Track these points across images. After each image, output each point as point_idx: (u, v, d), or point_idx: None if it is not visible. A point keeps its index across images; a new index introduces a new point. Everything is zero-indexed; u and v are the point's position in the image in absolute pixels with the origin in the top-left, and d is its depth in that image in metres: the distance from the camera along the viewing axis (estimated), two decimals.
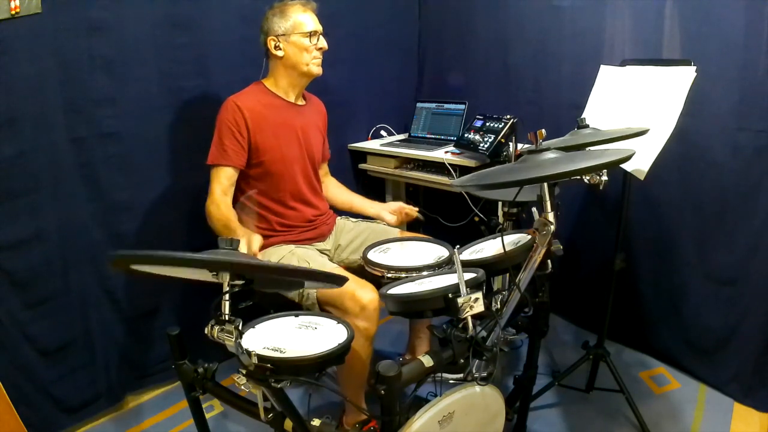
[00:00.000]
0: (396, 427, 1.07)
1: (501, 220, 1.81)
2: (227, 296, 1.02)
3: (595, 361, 1.88)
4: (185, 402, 1.29)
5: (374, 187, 2.70)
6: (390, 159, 2.51)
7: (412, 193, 2.86)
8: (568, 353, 2.17)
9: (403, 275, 1.44)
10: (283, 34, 1.67)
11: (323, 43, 1.73)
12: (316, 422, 1.13)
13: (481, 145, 2.16)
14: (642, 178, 1.53)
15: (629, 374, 2.02)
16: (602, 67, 1.82)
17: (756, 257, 1.79)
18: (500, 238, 1.21)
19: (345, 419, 1.71)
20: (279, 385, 1.03)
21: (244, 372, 1.03)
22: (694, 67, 1.54)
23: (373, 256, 1.58)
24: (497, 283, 1.50)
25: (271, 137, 1.70)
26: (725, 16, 1.73)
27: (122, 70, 1.74)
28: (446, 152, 2.32)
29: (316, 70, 1.74)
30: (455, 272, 1.10)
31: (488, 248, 1.45)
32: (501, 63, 2.48)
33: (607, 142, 1.35)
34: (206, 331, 1.02)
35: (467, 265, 1.30)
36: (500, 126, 2.17)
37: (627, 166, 1.53)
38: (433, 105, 2.70)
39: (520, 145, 2.03)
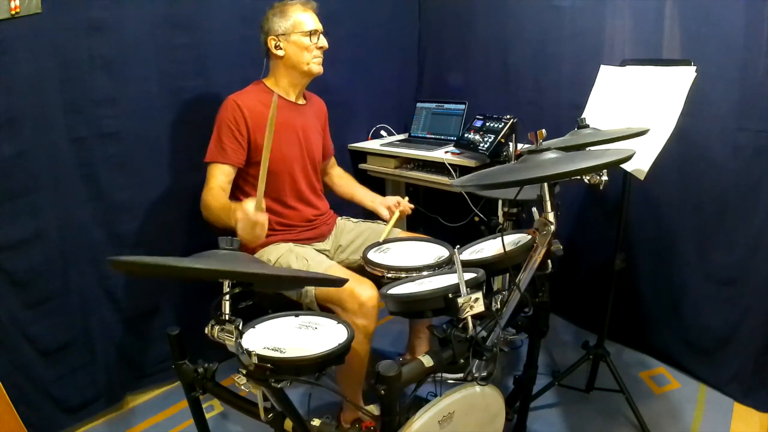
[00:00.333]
0: (396, 427, 1.07)
1: (501, 220, 1.81)
2: (227, 296, 1.02)
3: (595, 361, 1.88)
4: (185, 402, 1.29)
5: (374, 187, 2.67)
6: (390, 159, 2.51)
7: (412, 193, 2.86)
8: (568, 353, 2.17)
9: (403, 275, 1.44)
10: (284, 34, 1.68)
11: (324, 42, 1.73)
12: (316, 422, 1.13)
13: (481, 145, 2.16)
14: (642, 178, 1.53)
15: (629, 374, 2.02)
16: (602, 67, 1.82)
17: (756, 257, 1.79)
18: (500, 238, 1.21)
19: (342, 416, 1.72)
20: (279, 385, 1.04)
21: (244, 372, 1.03)
22: (694, 67, 1.54)
23: (373, 256, 1.58)
24: (497, 283, 1.50)
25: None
26: (725, 16, 1.73)
27: (122, 70, 1.74)
28: (446, 152, 2.32)
29: (317, 69, 1.74)
30: (455, 272, 1.10)
31: (488, 248, 1.45)
32: (501, 63, 2.48)
33: (607, 142, 1.35)
34: (206, 331, 1.03)
35: (467, 265, 1.30)
36: (500, 126, 2.17)
37: (627, 166, 1.53)
38: (433, 105, 2.70)
39: (520, 145, 2.03)
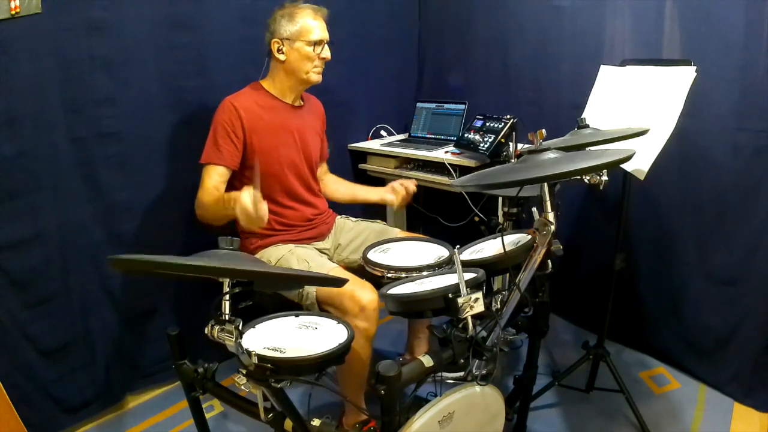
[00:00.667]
0: (396, 427, 1.07)
1: (501, 220, 1.81)
2: (227, 296, 1.02)
3: (595, 361, 1.88)
4: (185, 402, 1.29)
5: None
6: (390, 159, 2.51)
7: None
8: (568, 353, 2.17)
9: (403, 275, 1.44)
10: (288, 38, 1.65)
11: (327, 53, 1.71)
12: (316, 422, 1.13)
13: (481, 145, 2.16)
14: (642, 178, 1.53)
15: (629, 374, 2.02)
16: (602, 67, 1.82)
17: (756, 257, 1.79)
18: (500, 238, 1.21)
19: (345, 419, 1.71)
20: (279, 385, 1.04)
21: (244, 372, 1.03)
22: (694, 67, 1.54)
23: (373, 256, 1.58)
24: (497, 283, 1.50)
25: (268, 138, 1.70)
26: (725, 16, 1.73)
27: (122, 70, 1.74)
28: (446, 152, 2.32)
29: (316, 78, 1.73)
30: (455, 272, 1.10)
31: (488, 248, 1.45)
32: (501, 63, 2.48)
33: (607, 142, 1.35)
34: (206, 331, 1.03)
35: (467, 265, 1.30)
36: (500, 126, 2.17)
37: (627, 166, 1.53)
38: (433, 105, 2.70)
39: (520, 145, 2.03)
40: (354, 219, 1.98)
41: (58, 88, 1.62)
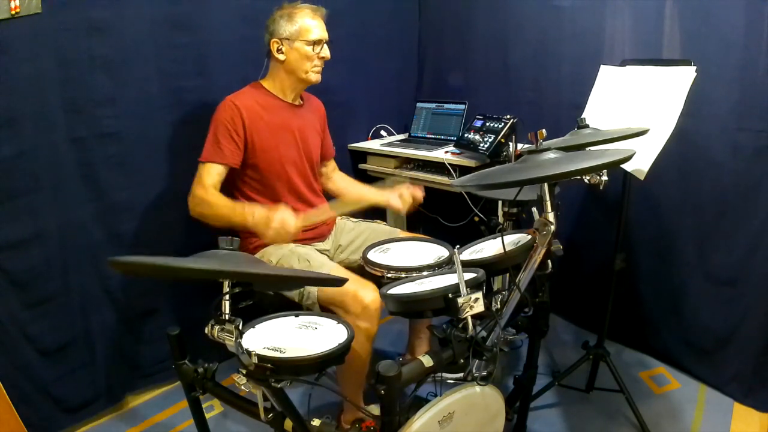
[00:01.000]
0: (396, 427, 1.07)
1: (501, 220, 1.81)
2: (227, 296, 1.02)
3: (595, 361, 1.88)
4: (185, 402, 1.29)
5: None
6: (390, 159, 2.51)
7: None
8: (568, 353, 2.17)
9: (403, 275, 1.44)
10: (287, 39, 1.66)
11: (326, 52, 1.71)
12: (316, 422, 1.13)
13: (481, 145, 2.16)
14: (642, 178, 1.53)
15: (629, 374, 2.02)
16: (602, 67, 1.82)
17: (756, 257, 1.79)
18: (500, 238, 1.21)
19: (343, 417, 1.72)
20: (279, 385, 1.04)
21: (244, 372, 1.03)
22: (694, 67, 1.54)
23: (373, 256, 1.58)
24: (497, 283, 1.50)
25: (268, 137, 1.70)
26: (725, 16, 1.73)
27: (122, 70, 1.74)
28: (446, 152, 2.32)
29: (315, 78, 1.73)
30: (455, 272, 1.10)
31: (488, 248, 1.45)
32: (501, 63, 2.48)
33: (607, 142, 1.35)
34: (206, 331, 1.03)
35: (467, 265, 1.30)
36: (500, 126, 2.17)
37: (627, 166, 1.53)
38: (433, 105, 2.70)
39: (520, 145, 2.03)
40: (354, 219, 1.98)
41: (58, 88, 1.62)
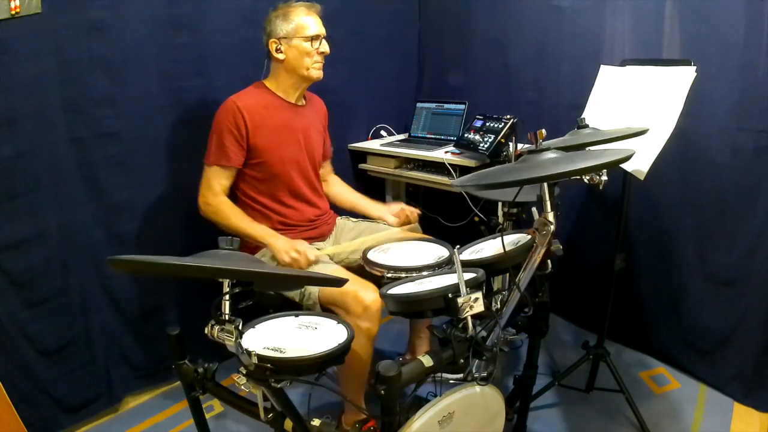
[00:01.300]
0: (396, 427, 1.07)
1: (501, 220, 1.81)
2: (227, 296, 1.02)
3: (595, 361, 1.88)
4: (185, 402, 1.29)
5: (374, 187, 2.69)
6: (390, 159, 2.51)
7: (412, 193, 2.86)
8: (568, 353, 2.17)
9: (403, 275, 1.44)
10: (285, 37, 1.67)
11: (325, 47, 1.72)
12: (316, 422, 1.13)
13: (481, 145, 2.16)
14: (642, 178, 1.53)
15: (629, 374, 2.02)
16: (602, 67, 1.82)
17: (756, 257, 1.79)
18: (500, 238, 1.21)
19: (344, 418, 1.72)
20: (279, 385, 1.04)
21: (244, 372, 1.03)
22: (694, 67, 1.53)
23: (373, 256, 1.59)
24: (497, 283, 1.50)
25: (271, 138, 1.70)
26: (725, 16, 1.73)
27: (122, 70, 1.74)
28: (446, 152, 2.32)
29: (316, 74, 1.73)
30: (455, 272, 1.10)
31: (488, 248, 1.45)
32: (501, 63, 2.48)
33: (607, 142, 1.35)
34: (206, 331, 1.03)
35: (467, 265, 1.30)
36: (500, 126, 2.17)
37: (627, 166, 1.53)
38: (433, 105, 2.70)
39: (520, 145, 2.03)
40: (354, 219, 1.98)
41: (58, 88, 1.62)
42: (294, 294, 1.59)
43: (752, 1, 1.67)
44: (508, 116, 2.18)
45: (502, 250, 1.19)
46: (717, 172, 1.84)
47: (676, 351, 2.07)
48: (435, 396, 1.15)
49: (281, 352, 1.07)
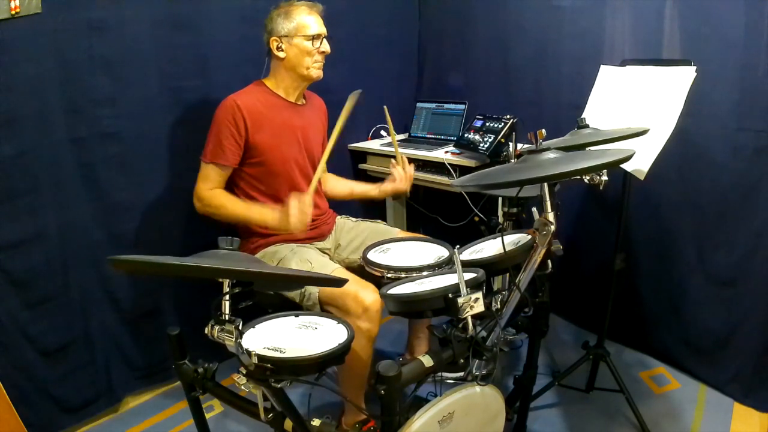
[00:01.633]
0: (396, 427, 1.07)
1: (501, 220, 1.81)
2: (227, 296, 1.02)
3: (595, 361, 1.88)
4: (185, 402, 1.29)
5: None
6: (390, 159, 2.50)
7: (413, 193, 2.84)
8: (568, 353, 2.17)
9: (403, 275, 1.44)
10: (286, 36, 1.67)
11: (326, 46, 1.72)
12: (316, 422, 1.13)
13: (481, 145, 2.16)
14: (642, 178, 1.53)
15: (629, 374, 2.02)
16: (602, 67, 1.82)
17: (756, 257, 1.79)
18: (500, 238, 1.21)
19: (344, 419, 1.71)
20: (279, 385, 1.03)
21: (244, 372, 1.03)
22: (694, 67, 1.54)
23: (373, 256, 1.58)
24: (497, 283, 1.50)
25: (271, 137, 1.70)
26: (725, 16, 1.73)
27: (122, 70, 1.74)
28: (446, 152, 2.32)
29: (316, 73, 1.74)
30: (455, 272, 1.10)
31: (488, 248, 1.45)
32: (501, 63, 2.48)
33: (608, 142, 1.35)
34: (206, 331, 1.02)
35: (467, 265, 1.30)
36: (500, 126, 2.17)
37: (627, 166, 1.53)
38: (433, 105, 2.70)
39: (520, 145, 2.03)
40: (354, 219, 1.98)
41: (58, 88, 1.62)
42: (294, 294, 1.59)
43: (752, 1, 1.67)
44: (508, 116, 2.18)
45: (502, 250, 1.19)
46: (717, 172, 1.84)
47: (676, 351, 2.07)
48: (435, 396, 1.15)
49: (281, 352, 1.06)
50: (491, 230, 1.86)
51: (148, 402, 1.99)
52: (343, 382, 1.64)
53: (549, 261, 1.17)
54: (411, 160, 2.45)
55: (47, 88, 1.59)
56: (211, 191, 1.66)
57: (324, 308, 1.55)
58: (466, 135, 2.27)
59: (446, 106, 2.65)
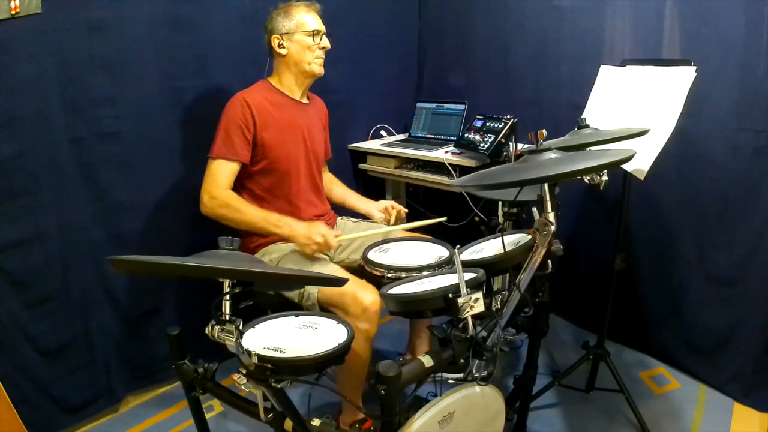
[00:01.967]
0: (396, 427, 1.07)
1: (501, 220, 1.81)
2: (228, 296, 1.02)
3: (595, 361, 1.88)
4: (185, 402, 1.29)
5: (374, 187, 2.70)
6: (390, 159, 2.51)
7: (412, 193, 2.86)
8: (568, 353, 2.17)
9: (403, 275, 1.44)
10: (287, 33, 1.70)
11: (326, 42, 1.75)
12: (316, 422, 1.13)
13: (481, 145, 2.16)
14: (642, 178, 1.53)
15: (629, 374, 2.02)
16: (602, 67, 1.82)
17: (756, 257, 1.79)
18: (500, 238, 1.21)
19: (341, 418, 1.72)
20: (279, 385, 1.03)
21: (244, 372, 1.03)
22: (694, 67, 1.53)
23: (373, 256, 1.58)
24: (497, 283, 1.50)
25: (278, 135, 1.71)
26: (725, 16, 1.73)
27: (122, 70, 1.74)
28: (446, 152, 2.32)
29: (318, 69, 1.75)
30: (455, 272, 1.10)
31: (488, 248, 1.45)
32: (501, 63, 2.48)
33: (608, 143, 1.35)
34: (206, 331, 1.02)
35: (467, 265, 1.30)
36: (500, 126, 2.17)
37: (627, 167, 1.53)
38: (433, 105, 2.70)
39: (520, 145, 2.03)
40: (354, 220, 1.98)
41: (58, 88, 1.62)
42: (293, 294, 1.59)
43: (752, 1, 1.67)
44: (508, 116, 2.18)
45: (503, 250, 1.19)
46: (717, 172, 1.84)
47: (676, 351, 2.07)
48: (435, 396, 1.15)
49: (281, 352, 1.06)
50: (491, 230, 1.86)
51: (148, 402, 1.99)
52: (341, 381, 1.64)
53: (549, 261, 1.17)
54: (411, 160, 2.47)
55: (47, 88, 1.59)
56: (227, 192, 1.63)
57: (323, 308, 1.55)
58: (466, 135, 2.27)
59: (446, 106, 2.65)
